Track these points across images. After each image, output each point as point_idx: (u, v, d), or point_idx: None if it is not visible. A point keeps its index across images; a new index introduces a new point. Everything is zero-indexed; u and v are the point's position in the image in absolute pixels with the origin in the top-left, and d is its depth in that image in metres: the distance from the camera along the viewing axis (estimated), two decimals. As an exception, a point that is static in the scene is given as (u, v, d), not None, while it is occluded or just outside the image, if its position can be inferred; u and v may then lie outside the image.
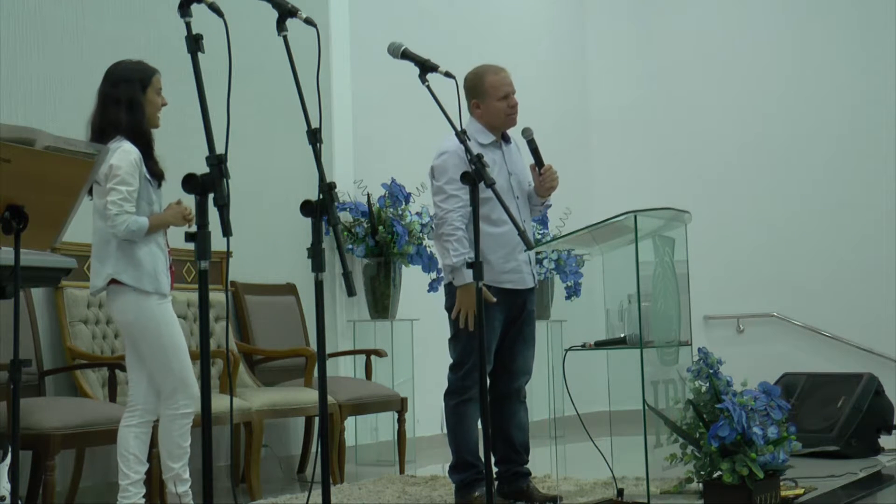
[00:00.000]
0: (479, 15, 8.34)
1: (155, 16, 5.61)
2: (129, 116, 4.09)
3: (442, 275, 6.59)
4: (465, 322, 4.58)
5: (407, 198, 6.68)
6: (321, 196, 3.09)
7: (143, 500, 4.08)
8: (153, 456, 4.26)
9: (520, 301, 4.78)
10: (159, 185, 4.16)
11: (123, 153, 4.01)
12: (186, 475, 4.12)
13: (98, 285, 4.08)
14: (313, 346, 6.07)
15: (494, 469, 4.78)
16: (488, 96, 4.79)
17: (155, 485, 4.60)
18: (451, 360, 4.79)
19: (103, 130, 4.09)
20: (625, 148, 9.46)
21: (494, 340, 4.71)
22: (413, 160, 6.89)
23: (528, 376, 4.89)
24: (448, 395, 4.77)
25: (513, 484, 4.82)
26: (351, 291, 3.11)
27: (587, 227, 4.64)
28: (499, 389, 4.80)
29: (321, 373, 3.17)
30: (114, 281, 4.04)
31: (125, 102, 4.09)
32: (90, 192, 4.04)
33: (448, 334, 4.80)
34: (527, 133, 4.78)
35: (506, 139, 4.90)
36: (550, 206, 5.05)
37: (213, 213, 2.74)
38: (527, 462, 4.89)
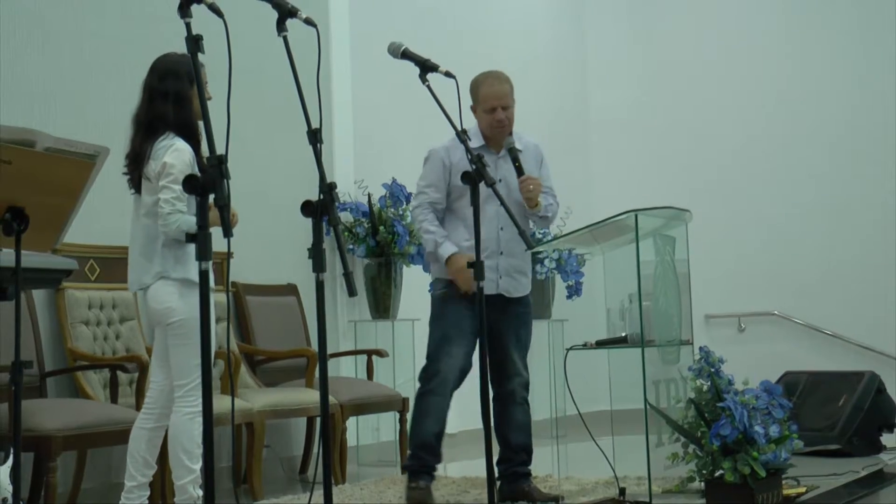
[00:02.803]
0: (479, 15, 8.34)
1: (155, 16, 5.61)
2: (176, 111, 4.00)
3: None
4: (468, 289, 4.65)
5: (408, 198, 6.68)
6: (322, 196, 3.09)
7: (147, 503, 4.07)
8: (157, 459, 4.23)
9: (492, 306, 4.74)
10: None
11: (177, 152, 3.94)
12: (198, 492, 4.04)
13: (147, 282, 4.01)
14: (314, 346, 6.07)
15: (496, 469, 4.80)
16: (479, 105, 4.82)
17: (164, 489, 4.62)
18: None
19: (150, 125, 4.01)
20: (625, 147, 9.46)
21: (463, 339, 4.75)
22: (413, 160, 6.85)
23: (521, 377, 4.86)
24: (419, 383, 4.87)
25: (513, 484, 4.82)
26: (352, 292, 3.11)
27: (588, 227, 4.65)
28: (494, 391, 4.82)
29: (322, 373, 3.17)
30: (163, 277, 3.99)
31: (172, 96, 4.01)
32: (139, 189, 4.02)
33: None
34: (506, 143, 4.75)
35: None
36: (548, 217, 4.95)
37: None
38: (528, 463, 4.89)
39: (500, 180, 4.75)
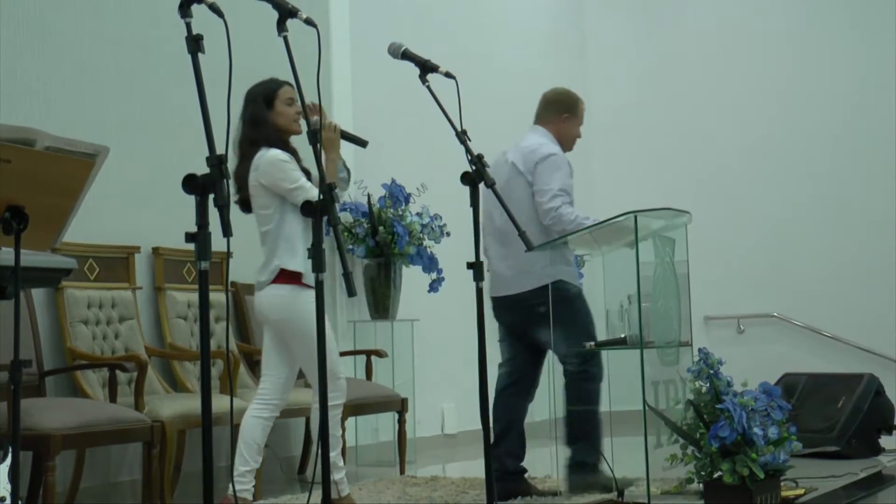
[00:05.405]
0: (479, 15, 8.35)
1: (155, 16, 5.61)
2: (253, 131, 4.43)
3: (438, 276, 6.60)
4: None
5: (407, 198, 6.68)
6: (321, 196, 3.10)
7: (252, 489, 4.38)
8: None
9: (505, 309, 4.89)
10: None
11: (266, 160, 4.36)
12: (341, 463, 4.51)
13: (264, 279, 4.42)
14: (313, 346, 6.06)
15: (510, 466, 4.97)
16: (578, 119, 5.17)
17: (163, 490, 4.62)
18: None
19: (241, 153, 4.46)
20: (625, 148, 9.46)
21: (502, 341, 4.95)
22: (413, 160, 6.90)
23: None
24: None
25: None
26: (351, 292, 3.11)
27: (587, 228, 4.64)
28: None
29: (321, 373, 3.17)
30: (282, 275, 4.35)
31: (249, 120, 4.45)
32: (248, 208, 4.47)
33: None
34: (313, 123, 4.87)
35: None
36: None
37: (213, 214, 2.74)
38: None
39: None
